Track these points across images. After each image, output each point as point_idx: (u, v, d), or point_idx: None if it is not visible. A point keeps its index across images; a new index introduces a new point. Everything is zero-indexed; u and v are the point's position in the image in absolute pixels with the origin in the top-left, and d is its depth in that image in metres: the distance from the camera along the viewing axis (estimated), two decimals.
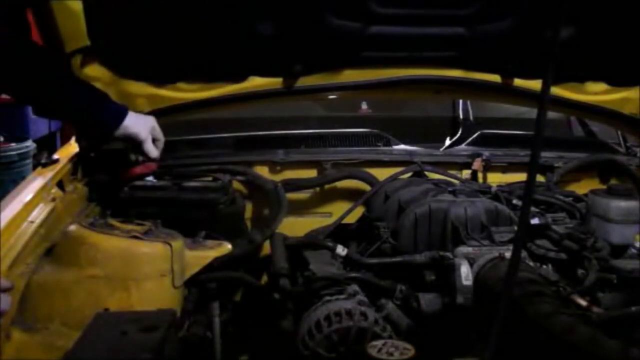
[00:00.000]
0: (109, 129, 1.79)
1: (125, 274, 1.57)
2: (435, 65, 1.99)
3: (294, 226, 2.15)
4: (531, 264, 1.73)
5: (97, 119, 1.80)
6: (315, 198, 2.32)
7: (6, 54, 1.61)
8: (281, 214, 2.02)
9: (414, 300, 1.69)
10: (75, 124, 1.99)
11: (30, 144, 5.15)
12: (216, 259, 1.77)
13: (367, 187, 2.21)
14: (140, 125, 1.82)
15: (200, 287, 1.78)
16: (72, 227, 1.66)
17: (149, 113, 1.92)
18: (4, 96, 2.47)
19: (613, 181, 2.40)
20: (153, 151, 1.86)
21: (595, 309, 1.54)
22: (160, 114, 1.97)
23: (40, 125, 5.50)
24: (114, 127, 1.78)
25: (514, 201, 2.03)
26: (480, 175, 2.39)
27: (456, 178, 2.28)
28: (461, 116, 2.76)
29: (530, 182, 1.12)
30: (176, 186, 1.97)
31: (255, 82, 1.97)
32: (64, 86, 1.73)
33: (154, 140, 1.87)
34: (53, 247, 1.62)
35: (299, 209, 2.28)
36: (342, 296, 1.64)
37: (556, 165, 2.37)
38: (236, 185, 2.17)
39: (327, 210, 2.31)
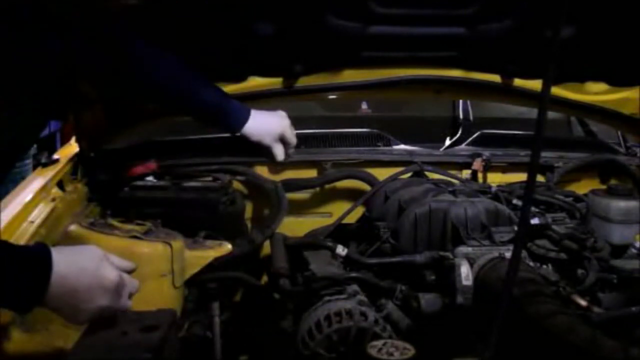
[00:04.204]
0: (233, 131, 1.78)
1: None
2: (435, 65, 1.99)
3: (294, 226, 2.14)
4: (531, 264, 1.73)
5: (222, 120, 1.78)
6: (315, 198, 2.31)
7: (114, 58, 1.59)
8: (281, 214, 2.02)
9: (414, 300, 1.68)
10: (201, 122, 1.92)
11: None
12: (216, 259, 1.77)
13: (367, 187, 2.20)
14: (264, 130, 1.81)
15: (200, 287, 1.78)
16: (72, 227, 1.67)
17: None
18: None
19: (613, 181, 2.40)
20: (278, 155, 1.85)
21: (595, 309, 1.54)
22: (161, 114, 1.97)
23: None
24: (237, 129, 1.77)
25: (514, 201, 2.03)
26: (480, 175, 2.39)
27: (456, 178, 2.27)
28: (461, 116, 2.76)
29: (530, 182, 1.12)
30: (176, 186, 1.97)
31: (255, 82, 1.97)
32: (193, 84, 1.72)
33: (285, 144, 1.86)
34: None
35: (299, 209, 2.27)
36: (342, 296, 1.64)
37: (556, 165, 2.36)
38: (236, 185, 2.17)
39: (327, 210, 2.31)
